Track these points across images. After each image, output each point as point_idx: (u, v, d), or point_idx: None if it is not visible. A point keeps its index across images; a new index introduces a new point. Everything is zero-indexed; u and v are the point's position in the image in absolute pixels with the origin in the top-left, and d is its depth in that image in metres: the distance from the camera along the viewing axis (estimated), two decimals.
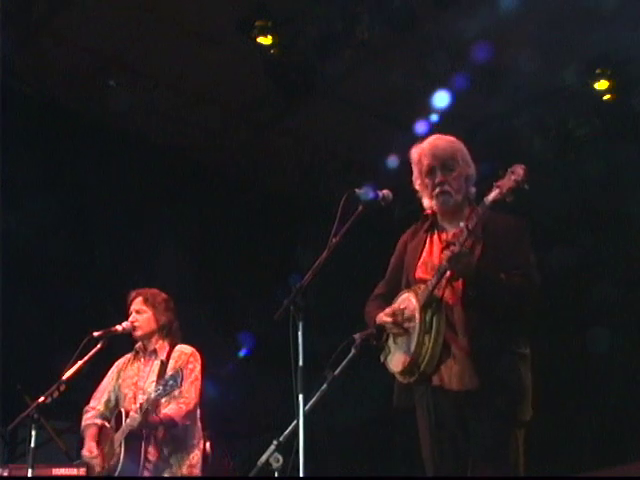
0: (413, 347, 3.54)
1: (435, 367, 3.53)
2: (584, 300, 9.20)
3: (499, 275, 3.52)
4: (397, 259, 3.88)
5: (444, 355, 3.52)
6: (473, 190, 3.74)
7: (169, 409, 4.96)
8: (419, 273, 3.68)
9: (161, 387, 4.75)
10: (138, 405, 4.89)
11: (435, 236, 3.74)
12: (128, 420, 4.87)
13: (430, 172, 3.72)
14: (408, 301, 3.63)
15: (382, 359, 3.72)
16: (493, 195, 3.49)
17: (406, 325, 3.59)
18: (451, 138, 3.82)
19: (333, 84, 8.57)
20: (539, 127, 8.91)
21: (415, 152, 3.78)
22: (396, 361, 3.64)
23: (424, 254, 3.72)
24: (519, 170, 3.49)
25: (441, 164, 3.70)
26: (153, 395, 4.79)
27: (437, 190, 3.70)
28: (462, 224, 3.53)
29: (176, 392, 4.85)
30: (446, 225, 3.74)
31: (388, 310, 3.66)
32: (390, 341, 3.68)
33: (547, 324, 7.86)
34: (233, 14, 7.80)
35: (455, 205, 3.68)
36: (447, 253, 3.51)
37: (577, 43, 7.88)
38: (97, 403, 5.27)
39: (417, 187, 3.80)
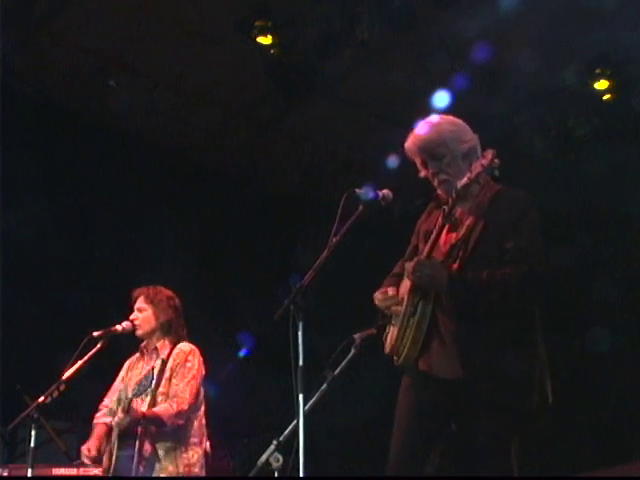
0: (397, 330, 3.52)
1: (419, 351, 3.47)
2: (584, 300, 9.19)
3: (479, 275, 3.40)
4: (414, 239, 3.84)
5: (435, 340, 3.46)
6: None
7: (159, 408, 4.94)
8: (428, 252, 3.63)
9: (137, 387, 4.90)
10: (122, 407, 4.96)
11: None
12: (116, 419, 4.91)
13: (424, 165, 3.67)
14: (405, 282, 3.60)
15: (383, 339, 3.68)
16: (464, 180, 3.46)
17: (396, 308, 3.57)
18: (436, 120, 3.71)
19: (333, 84, 8.58)
20: (539, 127, 8.91)
21: (405, 148, 3.72)
22: (388, 342, 3.62)
23: (434, 233, 3.65)
24: (487, 155, 3.46)
25: (429, 155, 3.63)
26: (130, 395, 4.90)
27: (436, 182, 3.66)
28: (444, 207, 3.52)
29: (148, 390, 4.93)
30: (458, 204, 3.62)
31: (378, 295, 3.65)
32: (392, 321, 3.64)
33: (547, 324, 7.85)
34: (233, 14, 7.81)
35: (459, 188, 3.57)
36: (407, 267, 3.48)
37: (577, 43, 7.88)
38: (110, 402, 5.30)
39: (424, 177, 3.74)
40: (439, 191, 3.69)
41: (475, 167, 3.46)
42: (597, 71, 8.22)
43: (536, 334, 3.52)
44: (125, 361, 5.41)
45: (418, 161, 3.70)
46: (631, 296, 9.03)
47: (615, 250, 9.21)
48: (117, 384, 5.33)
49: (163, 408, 4.94)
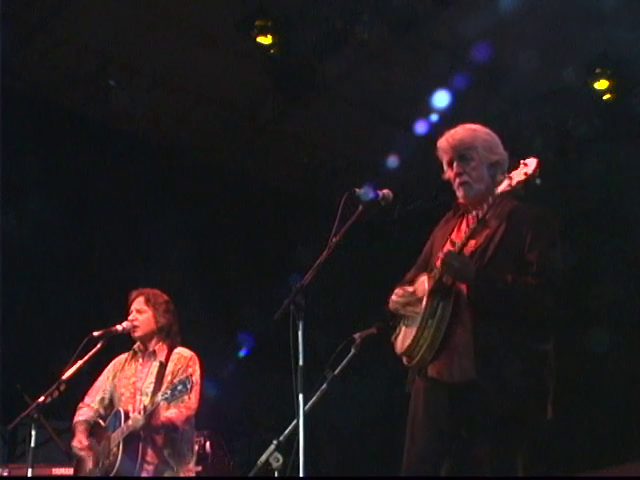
0: (415, 330, 3.53)
1: (434, 354, 3.50)
2: (584, 300, 9.19)
3: (504, 277, 3.46)
4: (428, 246, 3.87)
5: (445, 346, 3.49)
6: (502, 177, 3.63)
7: (171, 413, 4.92)
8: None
9: (169, 392, 4.69)
10: (141, 407, 4.86)
11: (464, 223, 3.74)
12: (130, 422, 4.83)
13: (450, 164, 3.73)
14: (422, 284, 3.61)
15: (392, 339, 3.69)
16: (503, 187, 3.47)
17: (411, 308, 3.59)
18: (473, 126, 3.79)
19: (333, 84, 8.58)
20: (539, 127, 8.91)
21: (438, 145, 3.79)
22: (400, 342, 3.63)
23: (449, 240, 3.70)
24: (532, 163, 3.47)
25: (459, 155, 3.70)
26: (159, 399, 4.73)
27: (457, 182, 3.71)
28: (474, 212, 3.52)
29: (185, 397, 4.79)
30: (474, 214, 3.68)
31: (399, 291, 3.66)
32: (402, 322, 3.66)
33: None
34: (233, 14, 7.81)
35: (477, 194, 3.64)
36: (440, 255, 3.50)
37: (577, 43, 7.89)
38: (91, 401, 5.24)
39: (447, 178, 3.78)
40: (458, 193, 3.73)
41: (517, 174, 3.46)
42: (597, 71, 8.22)
43: (550, 345, 3.54)
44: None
45: (446, 159, 3.75)
46: (631, 296, 9.03)
47: (615, 250, 9.20)
48: (100, 384, 5.26)
49: (175, 414, 4.92)
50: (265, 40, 7.85)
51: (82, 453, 5.02)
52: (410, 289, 3.64)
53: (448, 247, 3.55)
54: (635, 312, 8.93)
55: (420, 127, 8.29)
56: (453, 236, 3.70)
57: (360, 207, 3.64)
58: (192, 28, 7.96)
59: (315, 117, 9.05)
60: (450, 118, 8.15)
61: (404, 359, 3.62)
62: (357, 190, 3.65)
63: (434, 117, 8.38)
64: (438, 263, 3.51)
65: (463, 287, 3.52)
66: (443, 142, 3.76)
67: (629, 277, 9.19)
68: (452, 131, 3.77)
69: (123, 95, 8.35)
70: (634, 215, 8.66)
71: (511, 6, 7.23)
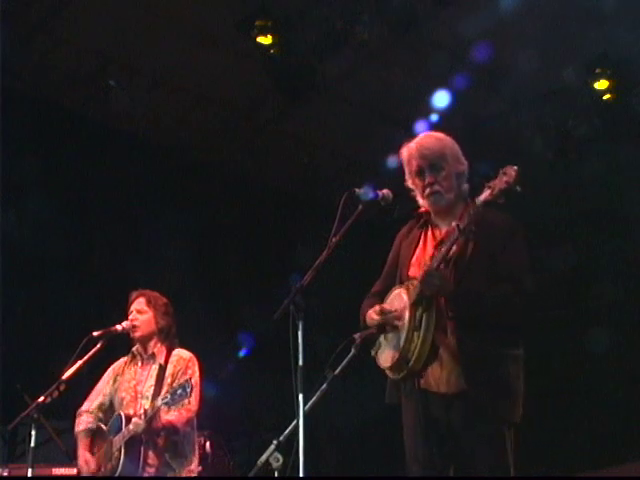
0: (402, 343, 3.54)
1: (423, 365, 3.52)
2: (584, 300, 9.20)
3: (480, 289, 3.49)
4: (393, 257, 3.87)
5: (432, 357, 3.51)
6: (466, 187, 3.71)
7: (171, 415, 4.92)
8: (412, 270, 3.67)
9: (169, 396, 4.70)
10: (142, 411, 4.87)
11: (429, 233, 3.74)
12: (131, 426, 4.83)
13: (419, 172, 3.72)
14: (399, 298, 3.62)
15: (372, 353, 3.71)
16: (484, 196, 3.46)
17: (395, 323, 3.59)
18: (440, 136, 3.79)
19: (333, 84, 8.58)
20: (539, 127, 8.91)
21: (404, 152, 3.78)
22: (386, 356, 3.64)
23: (417, 251, 3.72)
24: (510, 171, 3.44)
25: (430, 164, 3.68)
26: (159, 403, 4.75)
27: (427, 191, 3.70)
28: (454, 223, 3.50)
29: (185, 401, 4.79)
30: (440, 222, 3.73)
31: (377, 308, 3.66)
32: (381, 336, 3.67)
33: (547, 324, 7.87)
34: (233, 14, 7.81)
35: (447, 204, 3.68)
36: (421, 274, 3.51)
37: (577, 43, 7.89)
38: (90, 405, 5.24)
39: (410, 186, 3.79)
40: (426, 202, 3.72)
41: (497, 183, 3.45)
42: (597, 71, 8.23)
43: (522, 350, 3.59)
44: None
45: (413, 167, 3.73)
46: (631, 296, 9.04)
47: (615, 250, 9.21)
48: (100, 388, 5.25)
49: (176, 416, 4.92)
50: (265, 40, 7.85)
51: (91, 471, 5.00)
52: (388, 307, 3.62)
53: (428, 264, 3.54)
54: (635, 312, 8.94)
55: (420, 127, 8.28)
56: (418, 250, 3.70)
57: (360, 207, 3.64)
58: (192, 28, 7.96)
59: (315, 117, 9.05)
60: (450, 118, 8.17)
61: (389, 373, 3.63)
62: (357, 190, 3.64)
63: (434, 117, 8.38)
64: (417, 281, 3.51)
65: (441, 299, 3.53)
66: (412, 149, 3.73)
67: (629, 277, 9.20)
68: (419, 139, 3.76)
69: (123, 95, 8.35)
70: (634, 215, 8.67)
71: (511, 6, 7.24)
